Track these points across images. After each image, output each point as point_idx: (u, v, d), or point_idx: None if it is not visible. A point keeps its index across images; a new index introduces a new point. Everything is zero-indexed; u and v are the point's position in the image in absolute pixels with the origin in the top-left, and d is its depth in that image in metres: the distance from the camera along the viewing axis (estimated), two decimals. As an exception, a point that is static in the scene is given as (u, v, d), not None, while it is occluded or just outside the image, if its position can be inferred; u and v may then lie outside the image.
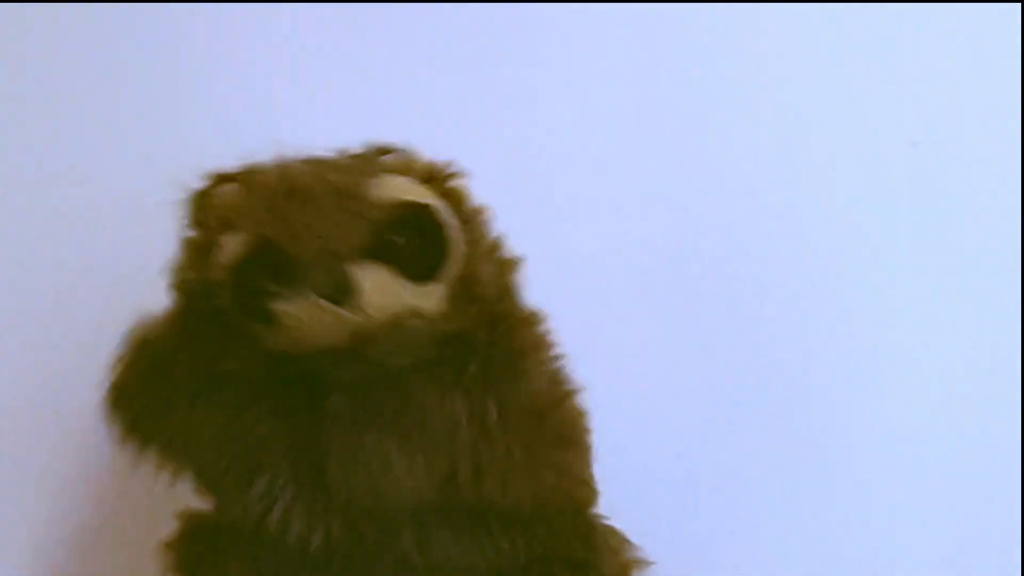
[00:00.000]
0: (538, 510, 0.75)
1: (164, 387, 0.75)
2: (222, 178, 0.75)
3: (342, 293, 0.69)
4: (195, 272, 0.74)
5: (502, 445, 0.74)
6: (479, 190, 0.78)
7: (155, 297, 0.77)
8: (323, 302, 0.69)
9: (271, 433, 0.74)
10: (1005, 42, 1.02)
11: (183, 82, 1.03)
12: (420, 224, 0.72)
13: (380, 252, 0.71)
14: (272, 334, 0.71)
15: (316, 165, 0.74)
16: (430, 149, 0.77)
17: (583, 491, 0.78)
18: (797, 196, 1.02)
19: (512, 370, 0.75)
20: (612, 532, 0.81)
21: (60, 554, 1.00)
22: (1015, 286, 1.01)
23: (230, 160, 0.76)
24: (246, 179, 0.74)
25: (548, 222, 1.01)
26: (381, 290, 0.70)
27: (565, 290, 0.99)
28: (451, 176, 0.77)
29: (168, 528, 0.81)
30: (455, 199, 0.76)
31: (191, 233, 0.75)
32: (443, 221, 0.73)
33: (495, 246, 0.78)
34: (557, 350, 0.79)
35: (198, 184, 0.75)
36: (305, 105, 1.02)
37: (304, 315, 0.69)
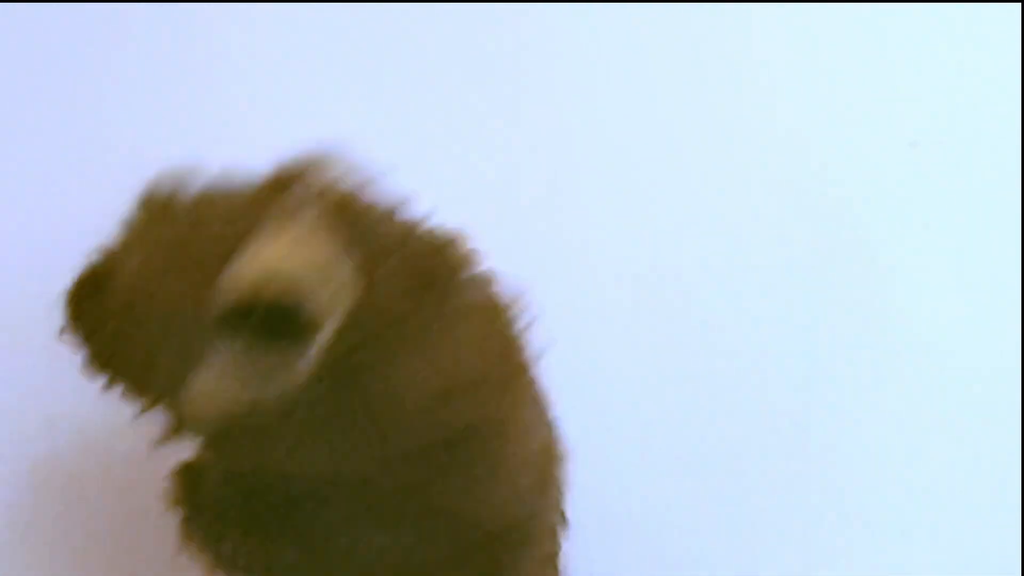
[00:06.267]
0: None
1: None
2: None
3: None
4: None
5: None
6: (471, 201, 0.77)
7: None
8: None
9: None
10: (1005, 42, 1.02)
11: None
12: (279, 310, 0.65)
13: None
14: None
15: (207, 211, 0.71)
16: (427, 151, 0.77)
17: None
18: (797, 196, 1.02)
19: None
20: None
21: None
22: (1015, 286, 1.01)
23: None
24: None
25: (545, 226, 1.01)
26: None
27: (564, 291, 1.00)
28: (358, 195, 0.72)
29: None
30: (363, 220, 0.70)
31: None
32: (306, 305, 0.65)
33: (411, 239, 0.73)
34: None
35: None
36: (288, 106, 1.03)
37: None
